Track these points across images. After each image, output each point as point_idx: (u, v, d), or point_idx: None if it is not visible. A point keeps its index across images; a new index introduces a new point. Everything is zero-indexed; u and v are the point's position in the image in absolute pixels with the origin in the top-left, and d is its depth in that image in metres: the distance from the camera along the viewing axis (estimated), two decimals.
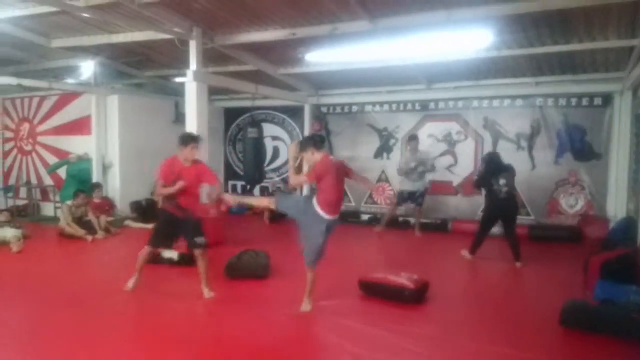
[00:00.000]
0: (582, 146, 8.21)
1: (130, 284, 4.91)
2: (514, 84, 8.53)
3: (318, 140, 4.37)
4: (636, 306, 4.05)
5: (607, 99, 8.01)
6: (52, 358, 3.53)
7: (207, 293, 4.83)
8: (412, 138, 8.51)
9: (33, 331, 4.04)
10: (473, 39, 6.27)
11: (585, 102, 8.17)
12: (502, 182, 6.27)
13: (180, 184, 4.52)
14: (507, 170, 6.43)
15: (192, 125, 7.10)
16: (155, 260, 6.04)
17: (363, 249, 7.66)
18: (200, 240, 4.78)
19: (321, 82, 9.87)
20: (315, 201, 4.27)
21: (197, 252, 4.82)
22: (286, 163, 11.04)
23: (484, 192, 6.68)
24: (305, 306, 4.46)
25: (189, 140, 4.67)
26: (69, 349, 3.65)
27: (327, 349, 3.64)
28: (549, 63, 7.62)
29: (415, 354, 3.58)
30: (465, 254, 6.73)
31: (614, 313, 4.03)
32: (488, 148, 8.84)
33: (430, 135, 9.34)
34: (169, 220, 4.75)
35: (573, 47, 6.60)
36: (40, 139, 10.73)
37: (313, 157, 4.29)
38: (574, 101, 8.24)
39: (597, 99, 8.09)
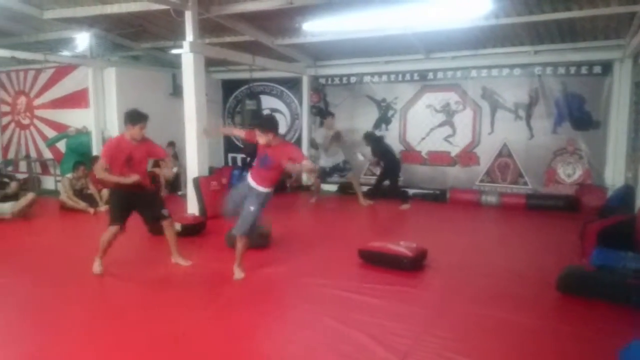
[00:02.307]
0: (580, 115, 8.20)
1: (97, 268, 4.72)
2: (513, 52, 8.47)
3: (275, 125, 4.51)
4: (631, 272, 4.12)
5: (607, 67, 7.97)
6: (59, 327, 3.61)
7: (183, 261, 4.96)
8: (328, 114, 8.92)
9: (33, 300, 4.12)
10: (471, 6, 6.21)
11: (584, 70, 8.12)
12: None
13: (134, 177, 4.56)
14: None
15: (189, 97, 7.09)
16: (159, 231, 6.13)
17: (360, 220, 7.75)
18: (165, 211, 4.90)
19: (319, 53, 9.79)
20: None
21: (165, 223, 4.92)
22: (285, 135, 11.03)
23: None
24: (238, 274, 4.62)
25: (137, 119, 4.64)
26: (69, 317, 3.73)
27: (324, 316, 3.72)
28: (547, 31, 7.55)
29: (414, 319, 3.66)
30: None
31: (609, 278, 4.10)
32: (486, 118, 8.86)
33: (429, 106, 9.32)
34: (124, 196, 4.70)
35: (573, 14, 6.51)
36: (37, 112, 10.67)
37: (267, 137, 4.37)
38: (572, 69, 8.20)
39: (596, 67, 8.04)
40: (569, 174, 8.40)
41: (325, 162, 8.63)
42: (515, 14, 6.77)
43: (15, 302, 4.13)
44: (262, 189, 4.53)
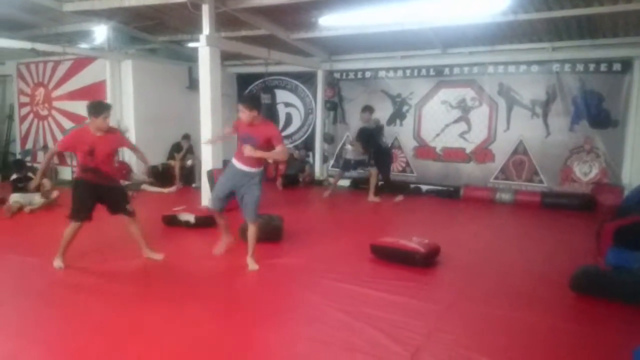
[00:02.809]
0: (598, 113, 8.09)
1: (59, 262, 4.63)
2: (530, 49, 8.39)
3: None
4: None
5: (627, 65, 7.84)
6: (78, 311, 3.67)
7: (155, 255, 4.93)
8: (367, 108, 8.65)
9: (55, 283, 4.20)
10: (489, 2, 6.15)
11: (603, 67, 8.00)
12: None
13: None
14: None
15: (205, 91, 7.12)
16: (172, 222, 6.20)
17: (372, 215, 7.74)
18: (129, 207, 4.83)
19: (334, 47, 9.77)
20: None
21: (127, 220, 4.86)
22: (299, 129, 11.06)
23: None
24: (252, 265, 4.64)
25: (101, 109, 4.58)
26: (88, 303, 3.80)
27: (336, 310, 3.73)
28: (567, 27, 7.45)
29: (425, 315, 3.66)
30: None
31: (625, 278, 4.05)
32: (502, 114, 8.78)
33: (444, 102, 9.27)
34: (89, 187, 4.62)
35: (593, 10, 6.43)
36: (55, 103, 10.81)
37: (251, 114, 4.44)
38: (591, 66, 8.08)
39: (615, 65, 7.91)
40: (586, 173, 8.30)
41: (352, 154, 8.61)
42: (534, 10, 6.70)
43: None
44: (255, 169, 4.57)
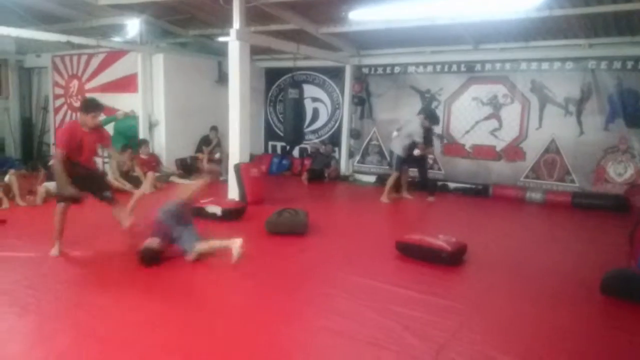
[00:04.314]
0: (635, 112, 7.83)
1: (55, 250, 4.78)
2: (565, 45, 8.16)
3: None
4: None
5: None
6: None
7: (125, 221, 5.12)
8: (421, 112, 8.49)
9: (89, 275, 4.31)
10: None
11: None
12: None
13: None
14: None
15: (234, 85, 7.17)
16: (199, 214, 6.28)
17: (398, 212, 7.70)
18: (107, 193, 5.05)
19: (363, 42, 9.71)
20: None
21: (109, 204, 5.06)
22: (325, 124, 11.06)
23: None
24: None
25: (92, 108, 4.76)
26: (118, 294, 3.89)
27: (361, 306, 3.73)
28: (604, 23, 7.24)
29: (451, 313, 3.63)
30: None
31: None
32: (534, 112, 8.59)
33: (475, 98, 9.11)
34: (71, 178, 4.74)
35: (633, 6, 6.22)
36: (88, 95, 11.04)
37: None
38: (629, 64, 7.81)
39: None
40: (620, 173, 8.06)
41: (401, 151, 7.98)
42: (570, 5, 6.52)
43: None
44: None
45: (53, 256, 4.74)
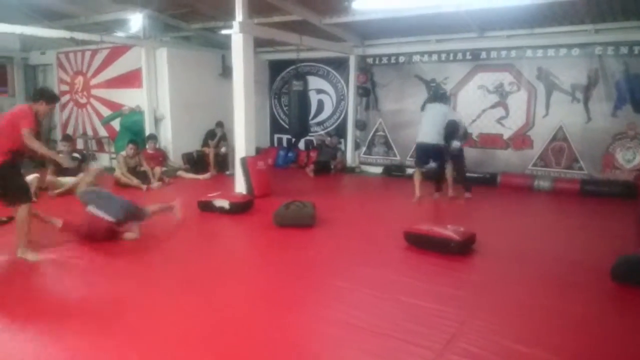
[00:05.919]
0: None
1: (33, 256, 4.45)
2: (571, 31, 8.06)
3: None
4: None
5: None
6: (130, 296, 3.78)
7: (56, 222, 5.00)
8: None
9: (103, 267, 4.34)
10: None
11: None
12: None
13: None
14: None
15: (238, 78, 7.15)
16: (207, 207, 6.31)
17: (405, 202, 7.66)
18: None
19: (367, 32, 9.65)
20: None
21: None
22: (330, 116, 11.03)
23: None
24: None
25: (53, 99, 4.67)
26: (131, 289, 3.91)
27: (369, 296, 3.73)
28: (610, 8, 7.13)
29: (460, 303, 3.62)
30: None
31: None
32: (541, 99, 8.52)
33: (481, 86, 9.05)
34: (18, 169, 4.57)
35: None
36: (93, 91, 11.06)
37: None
38: (636, 49, 7.70)
39: None
40: (629, 160, 7.99)
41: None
42: None
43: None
44: None
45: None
